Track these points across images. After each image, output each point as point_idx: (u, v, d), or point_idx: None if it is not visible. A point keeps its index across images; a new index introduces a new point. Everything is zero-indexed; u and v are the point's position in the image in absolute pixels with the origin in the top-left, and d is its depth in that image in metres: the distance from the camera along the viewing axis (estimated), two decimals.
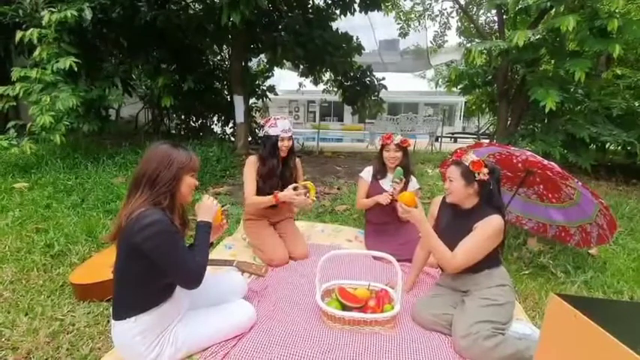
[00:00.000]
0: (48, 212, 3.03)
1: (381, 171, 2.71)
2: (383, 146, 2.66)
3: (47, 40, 4.03)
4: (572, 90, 5.18)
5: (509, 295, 1.72)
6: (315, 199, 2.42)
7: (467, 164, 1.73)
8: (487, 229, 1.66)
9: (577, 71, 4.24)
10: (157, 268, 1.32)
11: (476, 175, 1.71)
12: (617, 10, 4.50)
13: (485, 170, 1.72)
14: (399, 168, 2.53)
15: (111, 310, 1.42)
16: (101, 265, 1.98)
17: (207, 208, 1.54)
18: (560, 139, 4.91)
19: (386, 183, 2.67)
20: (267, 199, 2.37)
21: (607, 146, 5.61)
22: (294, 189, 2.32)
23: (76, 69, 3.99)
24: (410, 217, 1.79)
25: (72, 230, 2.69)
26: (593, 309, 1.11)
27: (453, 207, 1.84)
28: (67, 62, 3.92)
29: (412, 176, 2.68)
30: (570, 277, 2.36)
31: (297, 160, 2.61)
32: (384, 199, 2.53)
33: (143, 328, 1.36)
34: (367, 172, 2.76)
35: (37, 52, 4.01)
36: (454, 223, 1.81)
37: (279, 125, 2.39)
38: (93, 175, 4.00)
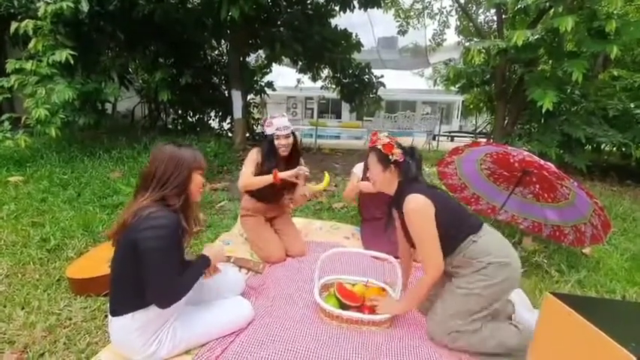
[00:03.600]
0: (44, 206, 3.01)
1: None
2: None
3: (43, 32, 3.98)
4: (569, 91, 5.20)
5: (496, 274, 1.53)
6: (324, 189, 2.36)
7: (379, 147, 1.66)
8: (410, 219, 1.56)
9: (574, 72, 4.25)
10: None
11: (390, 157, 1.64)
12: (615, 12, 4.52)
13: (398, 151, 1.65)
14: None
15: (108, 305, 1.42)
16: (98, 260, 1.97)
17: (217, 252, 1.60)
18: (556, 140, 4.94)
19: None
20: (266, 178, 2.28)
21: (602, 147, 5.66)
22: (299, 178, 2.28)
23: (72, 62, 3.95)
24: (382, 310, 1.72)
25: (68, 224, 2.67)
26: (586, 308, 1.13)
27: (390, 202, 1.75)
28: (63, 55, 3.88)
29: None
30: (564, 276, 2.38)
31: (302, 162, 2.52)
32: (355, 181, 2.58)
33: (140, 324, 1.36)
34: (359, 168, 2.74)
35: (32, 44, 3.96)
36: (398, 217, 1.71)
37: (274, 123, 2.31)
38: (89, 169, 3.98)
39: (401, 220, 1.71)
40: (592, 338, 1.03)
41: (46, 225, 2.64)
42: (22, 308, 1.77)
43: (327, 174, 2.42)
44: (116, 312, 1.37)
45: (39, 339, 1.56)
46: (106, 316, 1.72)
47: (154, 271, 1.29)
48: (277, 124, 2.32)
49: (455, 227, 1.59)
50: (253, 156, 2.40)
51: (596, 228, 2.35)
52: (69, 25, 4.21)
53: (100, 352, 1.51)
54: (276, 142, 2.33)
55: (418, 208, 1.54)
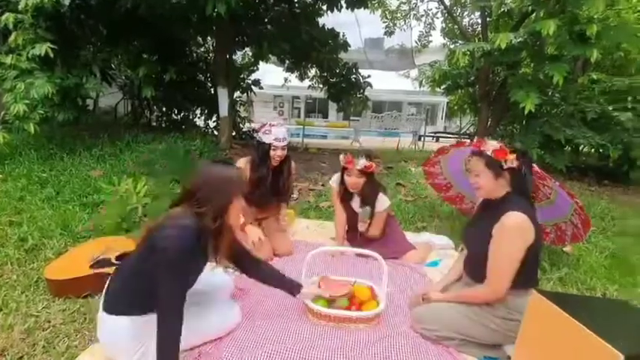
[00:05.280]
0: (21, 205, 2.92)
1: (346, 193, 2.44)
2: (344, 169, 2.33)
3: (23, 26, 3.87)
4: (550, 93, 5.34)
5: (509, 328, 1.48)
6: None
7: (489, 154, 1.53)
8: (502, 236, 1.44)
9: (555, 75, 4.36)
10: None
11: (502, 164, 1.51)
12: (596, 16, 4.65)
13: (512, 157, 1.50)
14: (366, 209, 2.38)
15: (102, 300, 1.35)
16: (77, 261, 1.91)
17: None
18: (537, 141, 5.06)
19: (355, 204, 2.47)
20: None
21: (581, 148, 5.83)
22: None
23: (52, 55, 3.84)
24: (431, 300, 1.70)
25: (46, 224, 2.59)
26: (570, 305, 1.15)
27: (484, 201, 1.68)
28: (42, 48, 3.77)
29: (382, 194, 2.42)
30: (546, 273, 2.44)
31: (293, 164, 2.50)
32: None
33: (137, 327, 1.31)
34: (335, 181, 2.53)
35: (12, 38, 3.85)
36: (480, 216, 1.63)
37: (273, 133, 2.27)
38: (69, 167, 3.87)
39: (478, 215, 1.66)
40: (577, 334, 1.05)
41: (24, 224, 2.56)
42: (0, 310, 1.70)
43: (291, 212, 2.27)
44: (114, 310, 1.31)
45: (17, 342, 1.51)
46: (85, 318, 1.67)
47: (162, 286, 1.21)
48: (276, 133, 2.28)
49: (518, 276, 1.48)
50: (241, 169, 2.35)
51: (576, 227, 2.41)
52: (50, 19, 4.08)
53: (80, 355, 1.46)
54: (272, 152, 2.30)
55: (519, 227, 1.42)
